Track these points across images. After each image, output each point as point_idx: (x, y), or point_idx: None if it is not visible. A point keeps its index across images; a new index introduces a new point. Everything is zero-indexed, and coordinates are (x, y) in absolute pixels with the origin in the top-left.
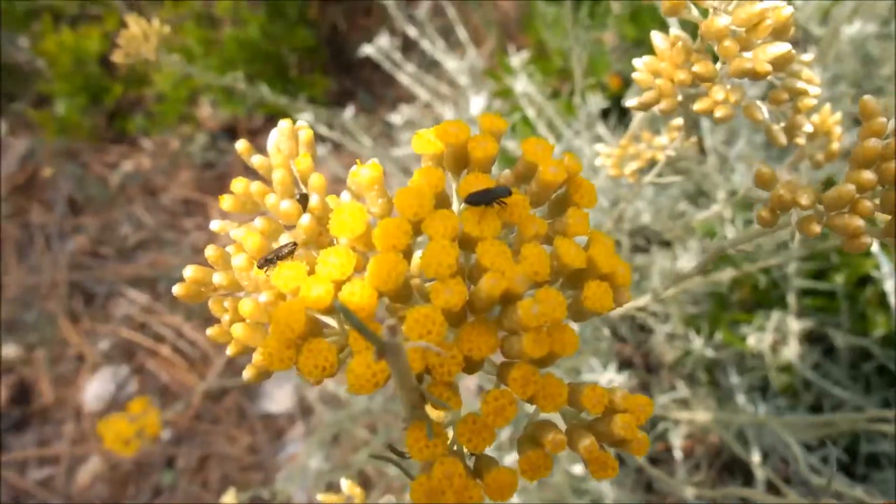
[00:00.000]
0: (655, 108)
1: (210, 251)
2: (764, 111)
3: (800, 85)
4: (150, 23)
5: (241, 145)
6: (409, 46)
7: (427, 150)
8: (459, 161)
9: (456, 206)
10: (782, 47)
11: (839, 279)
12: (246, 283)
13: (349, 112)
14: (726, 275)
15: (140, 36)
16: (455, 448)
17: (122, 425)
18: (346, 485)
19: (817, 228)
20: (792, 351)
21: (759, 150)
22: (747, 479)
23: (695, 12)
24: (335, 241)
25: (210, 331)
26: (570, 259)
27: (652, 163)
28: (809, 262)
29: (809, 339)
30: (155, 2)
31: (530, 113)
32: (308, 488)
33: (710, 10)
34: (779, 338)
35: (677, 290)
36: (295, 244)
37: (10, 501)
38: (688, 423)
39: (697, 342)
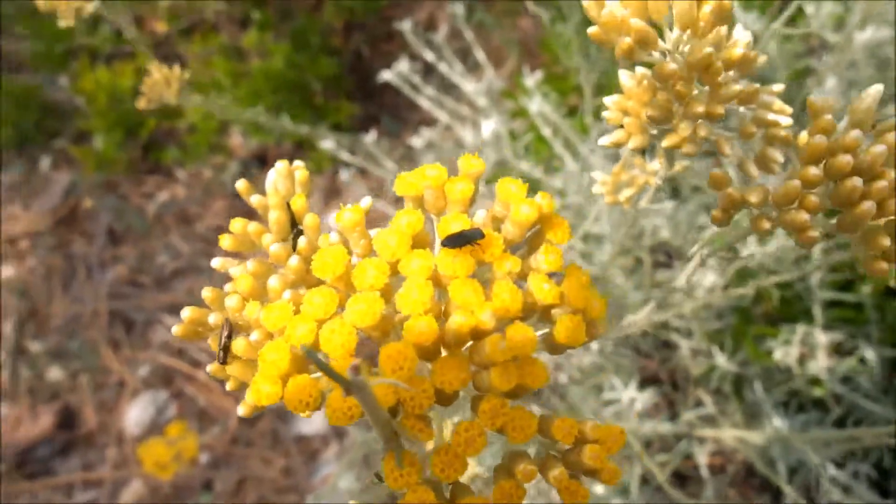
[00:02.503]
0: (629, 145)
1: (206, 293)
2: (737, 143)
3: (770, 117)
4: (172, 68)
5: (241, 185)
6: (430, 70)
7: (408, 192)
8: (440, 201)
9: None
10: (735, 88)
11: (866, 290)
12: (240, 322)
13: (371, 137)
14: (749, 289)
15: (162, 81)
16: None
17: (161, 449)
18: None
19: (767, 225)
20: (820, 364)
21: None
22: (779, 494)
23: (657, 55)
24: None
25: (210, 367)
26: (541, 295)
27: (651, 186)
28: (834, 274)
29: (839, 351)
30: (184, 37)
31: (546, 132)
32: None
33: (665, 54)
34: (806, 351)
35: (698, 305)
36: (229, 333)
37: None
38: (714, 441)
39: (721, 357)
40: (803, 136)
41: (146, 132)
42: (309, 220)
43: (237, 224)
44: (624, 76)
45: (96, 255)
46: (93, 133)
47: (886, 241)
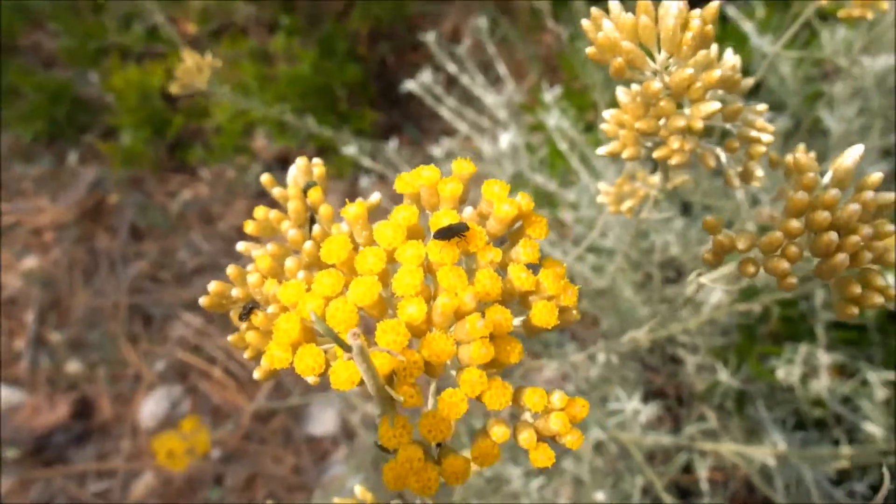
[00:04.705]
0: (622, 156)
1: (230, 270)
2: (722, 157)
3: (753, 133)
4: (204, 57)
5: (265, 178)
6: (453, 81)
7: (406, 190)
8: (433, 198)
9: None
10: (713, 105)
11: (870, 312)
12: (259, 297)
13: (393, 144)
14: (754, 306)
15: (194, 68)
16: (422, 439)
17: (175, 442)
18: (358, 490)
19: (752, 269)
20: (822, 384)
21: (782, 183)
22: None
23: (649, 74)
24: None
25: (230, 337)
26: (519, 282)
27: (655, 198)
28: None
29: (842, 373)
30: (213, 39)
31: (563, 146)
32: None
33: (655, 73)
34: (809, 371)
35: (703, 320)
36: (254, 304)
37: None
38: (714, 455)
39: (724, 374)
40: (789, 158)
41: (173, 131)
42: (323, 211)
43: (260, 211)
44: (620, 92)
45: (119, 249)
46: (121, 129)
47: (857, 289)
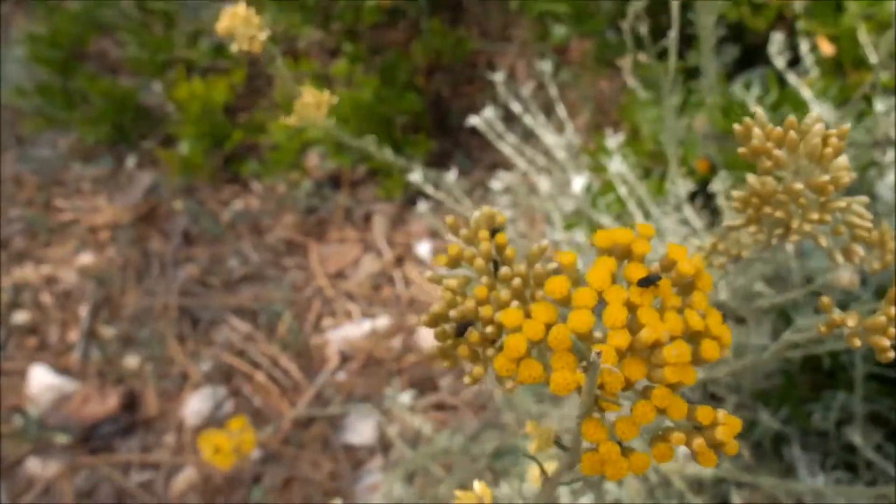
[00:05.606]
0: (748, 230)
1: (447, 295)
2: (828, 238)
3: (856, 220)
4: (323, 93)
5: (450, 220)
6: (509, 117)
7: (602, 245)
8: (623, 254)
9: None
10: (841, 203)
11: None
12: (468, 318)
13: (453, 174)
14: (796, 353)
15: (314, 104)
16: (611, 437)
17: (222, 439)
18: (478, 486)
19: (858, 342)
20: (856, 432)
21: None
22: None
23: (787, 173)
24: (529, 297)
25: (430, 350)
26: (694, 324)
27: (736, 258)
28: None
29: (875, 421)
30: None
31: (622, 191)
32: None
33: (792, 174)
34: (844, 418)
35: (748, 364)
36: (469, 323)
37: (114, 499)
38: (749, 487)
39: (765, 414)
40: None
41: (231, 144)
42: (508, 252)
43: (454, 249)
44: (751, 178)
45: (171, 253)
46: (179, 139)
47: None
